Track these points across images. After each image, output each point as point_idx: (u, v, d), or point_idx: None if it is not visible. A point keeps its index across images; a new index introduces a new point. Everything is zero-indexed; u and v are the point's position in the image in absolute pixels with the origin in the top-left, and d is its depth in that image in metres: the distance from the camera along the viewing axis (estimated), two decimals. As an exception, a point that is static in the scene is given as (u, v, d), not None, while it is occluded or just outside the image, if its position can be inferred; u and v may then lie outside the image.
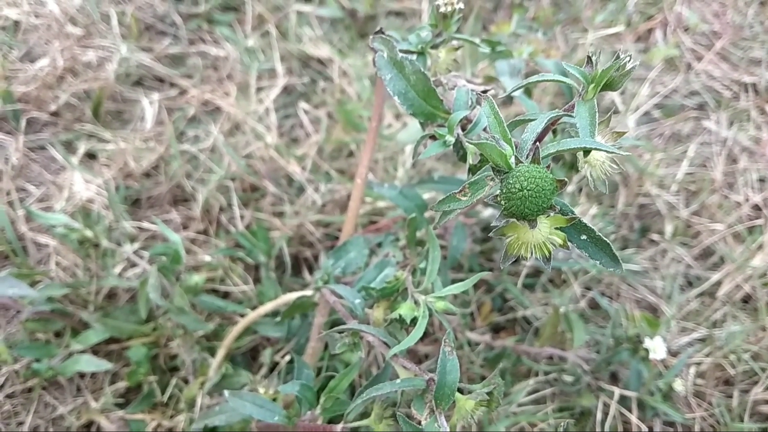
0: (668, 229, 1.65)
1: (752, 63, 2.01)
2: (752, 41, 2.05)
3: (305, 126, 1.76)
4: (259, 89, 1.82)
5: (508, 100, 1.24)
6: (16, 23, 1.80)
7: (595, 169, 0.69)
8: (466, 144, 0.82)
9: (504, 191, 0.60)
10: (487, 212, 1.48)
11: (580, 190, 1.69)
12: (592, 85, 0.68)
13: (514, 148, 0.65)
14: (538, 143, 0.64)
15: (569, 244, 0.64)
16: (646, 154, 1.77)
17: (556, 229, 0.63)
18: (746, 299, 1.55)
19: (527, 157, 0.64)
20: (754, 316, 1.50)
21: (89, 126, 1.67)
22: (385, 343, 0.88)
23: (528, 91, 1.23)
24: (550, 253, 0.63)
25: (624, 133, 0.71)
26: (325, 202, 1.60)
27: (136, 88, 1.80)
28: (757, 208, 1.69)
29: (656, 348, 1.25)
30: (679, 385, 1.30)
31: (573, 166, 1.50)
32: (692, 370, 1.41)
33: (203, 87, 1.80)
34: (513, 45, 1.30)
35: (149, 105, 1.73)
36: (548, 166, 0.63)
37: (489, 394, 0.78)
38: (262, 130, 1.70)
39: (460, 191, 0.67)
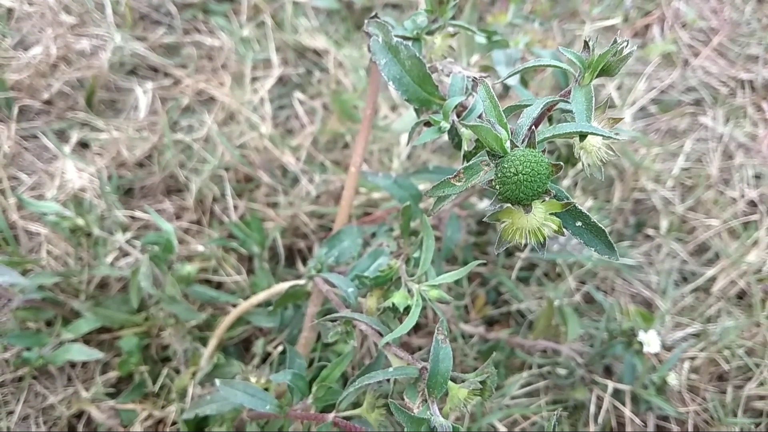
0: (664, 224, 1.64)
1: (749, 59, 2.00)
2: (749, 38, 2.05)
3: (300, 117, 1.75)
4: (254, 79, 1.80)
5: (504, 91, 1.23)
6: (10, 11, 1.78)
7: (590, 155, 0.68)
8: (462, 130, 0.81)
9: (499, 175, 0.60)
10: (482, 204, 1.47)
11: (576, 184, 1.68)
12: (589, 70, 0.67)
13: (510, 133, 0.64)
14: (534, 128, 0.64)
15: (564, 230, 0.63)
16: (642, 148, 1.77)
17: (551, 214, 0.62)
18: (741, 295, 1.55)
19: (523, 142, 0.63)
20: (748, 311, 1.49)
21: (82, 115, 1.65)
22: (378, 332, 0.87)
23: (524, 82, 1.23)
24: (545, 238, 0.62)
25: (621, 119, 0.70)
26: (320, 193, 1.59)
27: (130, 77, 1.78)
28: (752, 204, 1.68)
29: (650, 341, 1.25)
30: (673, 380, 1.30)
31: (568, 160, 1.50)
32: (686, 364, 1.41)
33: (197, 77, 1.78)
34: (509, 35, 1.29)
35: (143, 94, 1.72)
36: (543, 151, 0.62)
37: (482, 383, 0.77)
38: (256, 121, 1.69)
39: (455, 176, 0.66)
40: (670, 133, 1.84)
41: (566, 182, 1.68)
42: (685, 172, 1.74)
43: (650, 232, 1.64)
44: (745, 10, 2.11)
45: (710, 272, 1.55)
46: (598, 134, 0.62)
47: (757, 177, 1.73)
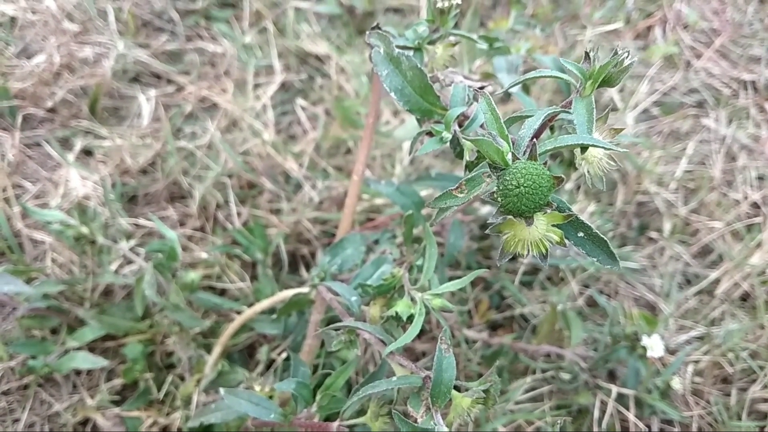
0: (667, 226, 1.64)
1: (751, 60, 2.00)
2: (752, 39, 2.04)
3: (302, 123, 1.76)
4: (256, 86, 1.81)
5: (506, 96, 1.24)
6: (13, 19, 1.79)
7: (592, 166, 0.69)
8: (463, 141, 0.81)
9: (500, 188, 0.60)
10: (485, 209, 1.47)
11: (578, 187, 1.69)
12: (590, 82, 0.67)
13: (511, 144, 0.64)
14: (535, 140, 0.64)
15: (566, 241, 0.64)
16: (645, 151, 1.77)
17: (553, 226, 0.62)
18: (744, 297, 1.55)
19: (524, 154, 0.64)
20: (752, 314, 1.49)
21: (86, 122, 1.66)
22: (381, 341, 0.88)
23: (526, 88, 1.23)
24: (547, 250, 0.62)
25: (622, 129, 0.70)
26: (323, 199, 1.60)
27: (133, 84, 1.79)
28: (755, 206, 1.68)
29: (654, 346, 1.25)
30: (676, 383, 1.30)
31: (571, 164, 1.50)
32: (690, 368, 1.41)
33: (200, 83, 1.79)
34: (511, 41, 1.29)
35: (146, 101, 1.72)
36: (545, 163, 0.62)
37: (485, 391, 0.78)
38: (259, 127, 1.69)
39: (457, 188, 0.67)
40: (673, 136, 1.84)
41: (569, 185, 1.68)
42: (688, 174, 1.74)
43: (653, 234, 1.64)
44: (747, 10, 2.11)
45: (714, 275, 1.55)
46: (599, 146, 0.62)
47: (760, 179, 1.73)
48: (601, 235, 0.63)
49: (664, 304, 1.51)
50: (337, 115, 1.70)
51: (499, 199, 0.60)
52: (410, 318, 0.87)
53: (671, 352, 1.42)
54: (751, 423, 1.34)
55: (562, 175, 0.60)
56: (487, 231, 0.64)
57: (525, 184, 0.58)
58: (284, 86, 1.84)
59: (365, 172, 1.13)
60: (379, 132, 1.68)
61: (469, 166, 0.82)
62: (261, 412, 0.92)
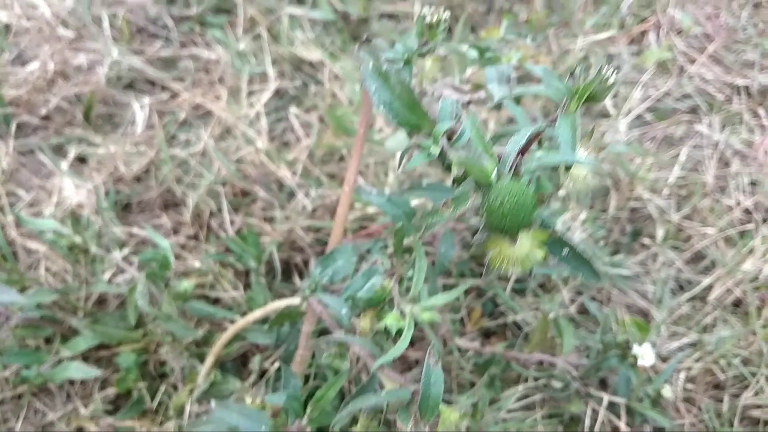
0: (659, 233, 1.65)
1: (745, 66, 2.01)
2: (745, 44, 2.05)
3: (296, 130, 1.76)
4: (250, 93, 1.81)
5: (498, 106, 1.24)
6: (7, 26, 1.79)
7: (577, 182, 0.69)
8: (451, 155, 0.81)
9: (485, 206, 0.61)
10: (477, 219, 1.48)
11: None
12: (575, 98, 0.68)
13: (497, 160, 0.65)
14: (520, 156, 0.64)
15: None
16: (638, 157, 1.77)
17: (538, 242, 0.63)
18: (737, 303, 1.55)
19: (509, 171, 0.64)
20: (744, 320, 1.50)
21: (80, 130, 1.66)
22: (371, 354, 0.88)
23: (517, 98, 1.23)
24: (532, 267, 0.63)
25: (607, 146, 0.71)
26: (316, 207, 1.60)
27: (127, 91, 1.79)
28: (748, 212, 1.69)
29: (644, 354, 1.25)
30: (667, 392, 1.30)
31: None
32: (682, 375, 1.41)
33: (194, 90, 1.79)
34: (503, 50, 1.29)
35: (140, 109, 1.73)
36: (529, 181, 0.63)
37: (473, 405, 0.78)
38: (252, 135, 1.70)
39: (444, 205, 0.67)
40: (666, 141, 1.84)
41: (561, 192, 1.68)
42: (681, 180, 1.75)
43: (646, 241, 1.64)
44: (741, 16, 2.12)
45: (706, 281, 1.56)
46: (581, 163, 0.62)
47: (753, 184, 1.74)
48: (584, 255, 0.64)
49: (657, 311, 1.51)
50: (331, 122, 1.70)
51: (484, 217, 0.61)
52: (400, 331, 0.87)
53: (663, 359, 1.43)
54: (743, 430, 1.34)
55: (545, 193, 0.60)
56: (473, 244, 0.64)
57: (509, 204, 0.58)
58: (278, 93, 1.84)
59: (358, 181, 1.13)
60: (372, 140, 1.68)
61: (457, 180, 0.82)
62: (252, 425, 0.93)
